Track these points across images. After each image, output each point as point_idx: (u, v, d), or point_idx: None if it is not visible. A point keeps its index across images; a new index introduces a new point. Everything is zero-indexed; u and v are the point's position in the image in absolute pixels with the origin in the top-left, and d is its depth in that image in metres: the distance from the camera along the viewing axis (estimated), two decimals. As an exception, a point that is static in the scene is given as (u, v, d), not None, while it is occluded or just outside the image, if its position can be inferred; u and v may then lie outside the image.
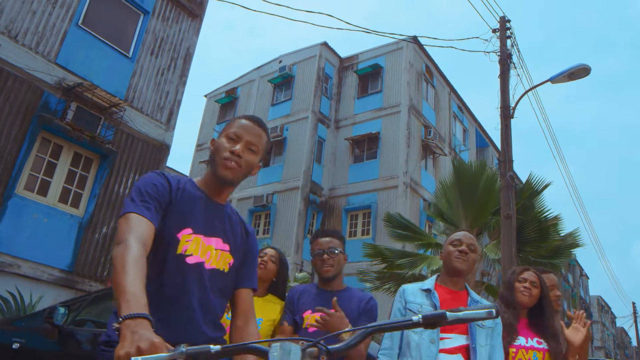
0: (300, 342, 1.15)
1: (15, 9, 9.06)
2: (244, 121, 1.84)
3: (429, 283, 2.84)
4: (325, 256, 2.90)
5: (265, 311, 3.02)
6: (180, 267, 1.68)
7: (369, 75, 22.91)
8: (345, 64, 24.07)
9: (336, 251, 2.92)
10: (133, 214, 1.56)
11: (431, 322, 1.20)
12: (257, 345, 1.16)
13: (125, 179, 10.16)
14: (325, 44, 23.46)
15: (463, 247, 2.79)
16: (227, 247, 1.82)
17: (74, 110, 9.47)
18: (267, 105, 24.25)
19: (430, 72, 23.51)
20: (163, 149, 11.00)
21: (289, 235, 20.27)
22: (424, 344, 2.55)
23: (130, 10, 11.00)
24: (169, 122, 11.25)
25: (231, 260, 1.82)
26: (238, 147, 1.76)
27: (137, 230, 1.50)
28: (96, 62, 10.08)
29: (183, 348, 1.07)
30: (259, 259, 3.20)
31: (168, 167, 29.58)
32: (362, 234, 20.24)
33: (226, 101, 26.34)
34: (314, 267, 3.02)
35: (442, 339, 2.57)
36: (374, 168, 20.98)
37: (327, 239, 2.97)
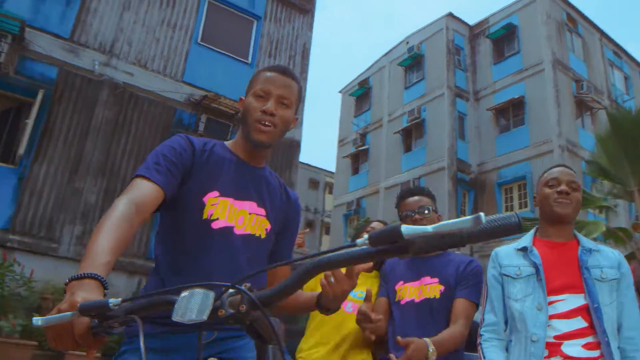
0: (224, 288, 0.93)
1: (141, 40, 9.88)
2: (269, 74, 1.66)
3: (526, 240, 2.29)
4: (417, 216, 2.50)
5: (373, 287, 2.69)
6: (204, 232, 1.54)
7: (503, 38, 21.29)
8: (476, 31, 22.66)
9: (427, 210, 2.52)
10: (139, 177, 1.46)
11: (383, 245, 0.88)
12: (164, 296, 0.97)
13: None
14: (450, 15, 22.33)
15: (563, 187, 2.18)
16: (262, 211, 1.66)
17: (205, 122, 10.06)
18: (400, 90, 23.76)
19: (572, 20, 21.12)
20: (293, 146, 11.28)
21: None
22: (528, 313, 2.06)
23: (244, 19, 11.42)
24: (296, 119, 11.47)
25: (268, 226, 1.65)
26: (269, 104, 1.61)
27: (134, 192, 1.39)
28: (218, 73, 10.63)
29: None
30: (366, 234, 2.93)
31: (302, 163, 30.49)
32: (520, 208, 18.86)
33: (360, 93, 26.37)
34: None
35: (552, 302, 2.05)
36: (523, 135, 19.45)
37: (416, 197, 2.58)
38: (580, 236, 2.25)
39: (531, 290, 2.10)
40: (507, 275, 2.20)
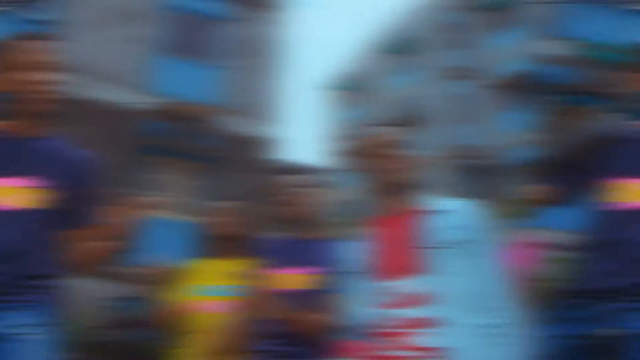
0: None
1: (106, 57, 10.13)
2: (20, 44, 1.69)
3: (360, 227, 1.96)
4: (293, 191, 2.22)
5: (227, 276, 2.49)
6: None
7: (503, 5, 19.60)
8: (470, 2, 20.51)
9: (307, 186, 2.26)
10: None
11: None
12: None
13: (237, 181, 10.51)
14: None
15: (387, 151, 1.80)
16: (31, 183, 1.68)
17: (174, 129, 10.20)
18: (389, 78, 22.76)
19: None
20: (269, 143, 11.33)
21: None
22: (361, 308, 1.75)
23: (207, 22, 11.51)
24: (270, 116, 11.57)
25: (44, 196, 1.68)
26: (37, 75, 1.63)
27: None
28: (186, 80, 10.80)
29: None
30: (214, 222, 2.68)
31: (284, 160, 29.85)
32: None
33: (345, 86, 25.52)
34: (274, 212, 2.31)
35: (390, 289, 1.71)
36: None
37: (296, 175, 2.30)
38: (428, 199, 1.84)
39: (364, 282, 1.77)
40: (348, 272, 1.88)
